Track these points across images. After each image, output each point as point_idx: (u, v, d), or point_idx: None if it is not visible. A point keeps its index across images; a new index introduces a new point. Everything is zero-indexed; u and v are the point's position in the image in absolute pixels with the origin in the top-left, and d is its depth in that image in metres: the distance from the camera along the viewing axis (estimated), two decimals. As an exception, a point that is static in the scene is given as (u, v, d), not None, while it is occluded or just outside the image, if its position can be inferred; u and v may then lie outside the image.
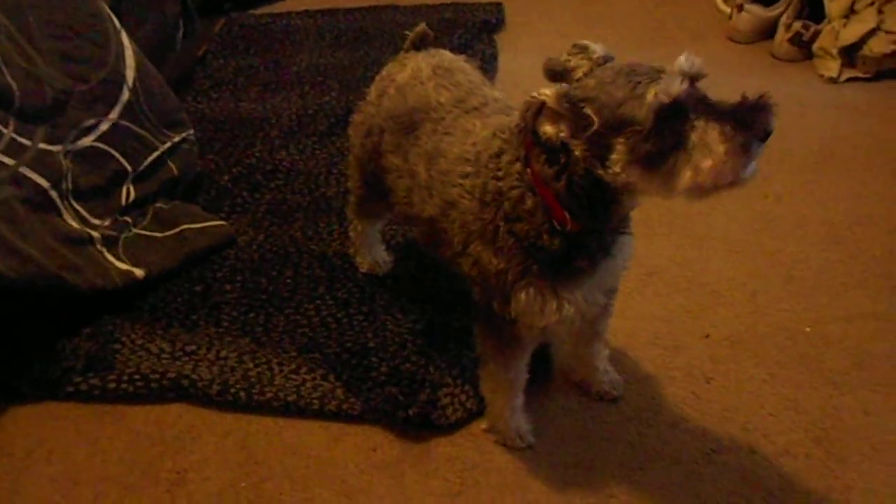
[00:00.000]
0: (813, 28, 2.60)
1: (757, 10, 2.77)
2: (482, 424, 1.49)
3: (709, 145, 0.98)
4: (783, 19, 2.68)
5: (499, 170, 1.17)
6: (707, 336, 1.66)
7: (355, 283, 1.82)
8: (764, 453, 1.42)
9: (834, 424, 1.47)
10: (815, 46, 2.60)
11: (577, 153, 1.05)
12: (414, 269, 1.85)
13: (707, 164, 0.98)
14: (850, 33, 2.50)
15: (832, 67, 2.53)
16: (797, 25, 2.61)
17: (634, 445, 1.45)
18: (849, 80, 2.53)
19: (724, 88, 2.59)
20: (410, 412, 1.47)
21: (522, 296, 1.18)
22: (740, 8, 2.79)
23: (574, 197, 1.10)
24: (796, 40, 2.62)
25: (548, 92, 1.04)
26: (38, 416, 1.57)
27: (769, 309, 1.72)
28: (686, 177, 0.99)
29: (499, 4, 3.10)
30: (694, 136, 0.99)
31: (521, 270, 1.17)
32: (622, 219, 1.17)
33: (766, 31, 2.77)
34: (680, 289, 1.78)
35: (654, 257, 1.88)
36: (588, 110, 1.02)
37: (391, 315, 1.73)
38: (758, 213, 2.00)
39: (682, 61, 1.00)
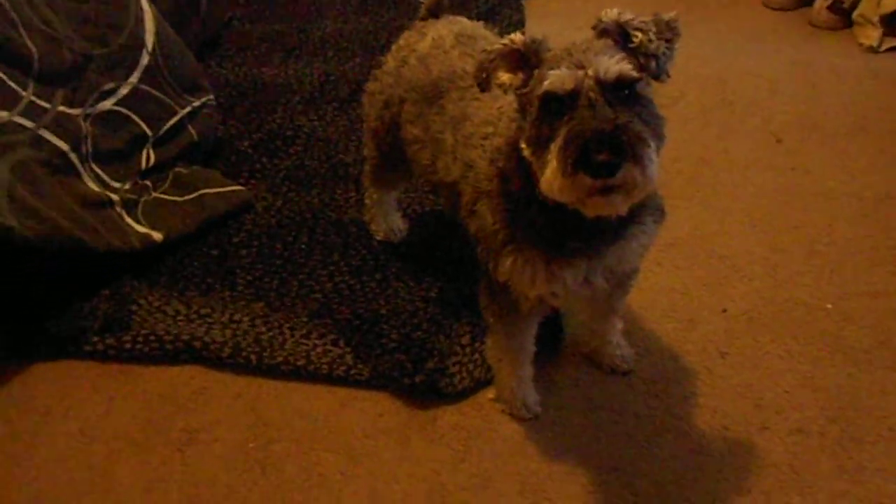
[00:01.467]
0: (854, -6, 2.51)
1: (795, -25, 2.67)
2: (489, 393, 1.48)
3: (550, 159, 0.96)
4: (823, -15, 2.58)
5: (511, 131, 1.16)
6: (724, 310, 1.63)
7: (370, 250, 1.82)
8: (776, 430, 1.39)
9: (850, 403, 1.43)
10: (855, 14, 2.50)
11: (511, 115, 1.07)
12: (429, 238, 1.84)
13: (547, 175, 0.96)
14: (893, 0, 2.40)
15: (872, 36, 2.44)
16: (837, -9, 2.51)
17: (642, 418, 1.43)
18: (890, 49, 2.43)
19: (759, 57, 2.54)
20: (417, 379, 1.47)
21: (508, 262, 1.17)
22: (778, -27, 2.69)
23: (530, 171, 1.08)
24: (836, 7, 2.53)
25: (518, 36, 1.05)
26: (58, 373, 1.61)
27: (789, 284, 1.67)
28: (546, 174, 0.97)
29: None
30: (555, 139, 0.96)
31: (509, 233, 1.16)
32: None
33: (805, -2, 2.67)
34: (699, 262, 1.75)
35: (675, 229, 1.83)
36: (522, 75, 1.04)
37: (404, 282, 1.72)
38: (784, 186, 1.94)
39: (600, 63, 0.95)
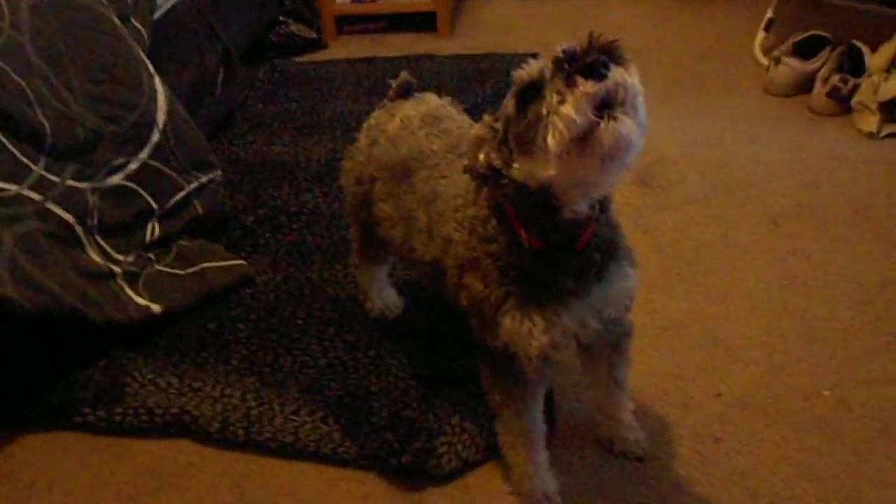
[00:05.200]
0: (852, 82, 2.55)
1: (795, 62, 2.72)
2: (507, 487, 1.44)
3: (550, 105, 0.95)
4: (821, 73, 2.63)
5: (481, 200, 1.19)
6: (719, 394, 1.60)
7: (365, 326, 1.82)
8: (771, 522, 1.35)
9: (850, 495, 1.39)
10: (853, 101, 2.53)
11: (497, 164, 1.08)
12: (425, 314, 1.85)
13: (554, 120, 0.94)
14: (892, 87, 2.43)
15: (871, 122, 2.46)
16: (835, 79, 2.56)
17: (633, 506, 1.40)
18: (889, 135, 2.45)
19: (759, 141, 2.58)
20: (403, 459, 1.45)
21: (507, 319, 1.17)
22: (778, 60, 2.75)
23: (520, 210, 1.11)
24: (834, 94, 2.57)
25: (476, 127, 1.12)
26: (45, 444, 1.61)
27: (787, 369, 1.65)
28: (549, 143, 0.95)
29: (535, 55, 3.12)
30: (543, 107, 0.96)
31: (503, 294, 1.17)
32: (577, 228, 1.12)
33: (804, 85, 2.71)
34: (695, 345, 1.73)
35: (672, 312, 1.83)
36: (497, 124, 1.08)
37: (397, 360, 1.72)
38: (783, 271, 1.94)
39: (557, 47, 0.96)
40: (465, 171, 1.14)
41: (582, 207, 1.09)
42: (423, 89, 1.61)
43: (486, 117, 1.11)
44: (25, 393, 1.67)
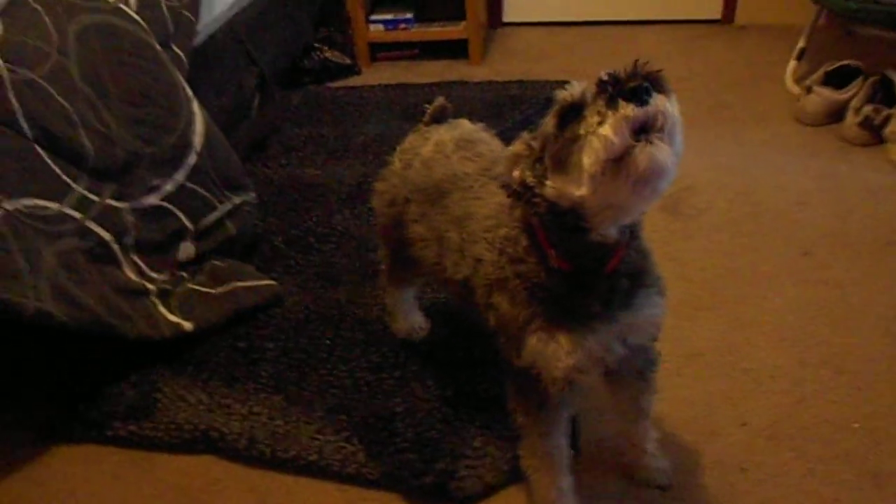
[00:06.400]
0: (885, 112, 2.53)
1: (827, 92, 2.72)
2: None
3: (589, 125, 0.96)
4: (853, 103, 2.62)
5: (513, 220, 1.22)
6: (744, 424, 1.59)
7: (391, 347, 1.84)
8: (797, 555, 1.33)
9: (878, 530, 1.37)
10: (886, 131, 2.52)
11: (530, 182, 1.09)
12: (450, 336, 1.86)
13: (592, 140, 0.96)
14: (925, 119, 2.42)
15: (904, 153, 2.45)
16: (868, 110, 2.54)
17: (656, 535, 1.39)
18: (922, 166, 2.43)
19: (789, 170, 2.57)
20: (426, 480, 1.46)
21: (534, 340, 1.18)
22: (809, 90, 2.74)
23: (550, 231, 1.12)
24: (867, 124, 2.55)
25: (513, 145, 1.13)
26: (78, 456, 1.64)
27: (815, 400, 1.63)
28: (585, 163, 0.97)
29: (566, 82, 3.15)
30: (582, 128, 0.97)
31: (530, 314, 1.18)
32: (605, 252, 1.12)
33: (836, 115, 2.70)
34: (721, 374, 1.72)
35: (698, 340, 1.82)
36: (534, 142, 1.09)
37: (422, 381, 1.74)
38: (813, 300, 1.92)
39: (604, 72, 0.97)
40: (500, 187, 1.16)
41: (611, 231, 1.10)
42: (456, 115, 1.64)
43: (525, 135, 1.13)
44: (61, 406, 1.72)
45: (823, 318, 1.86)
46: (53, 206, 1.69)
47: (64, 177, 1.73)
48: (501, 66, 3.51)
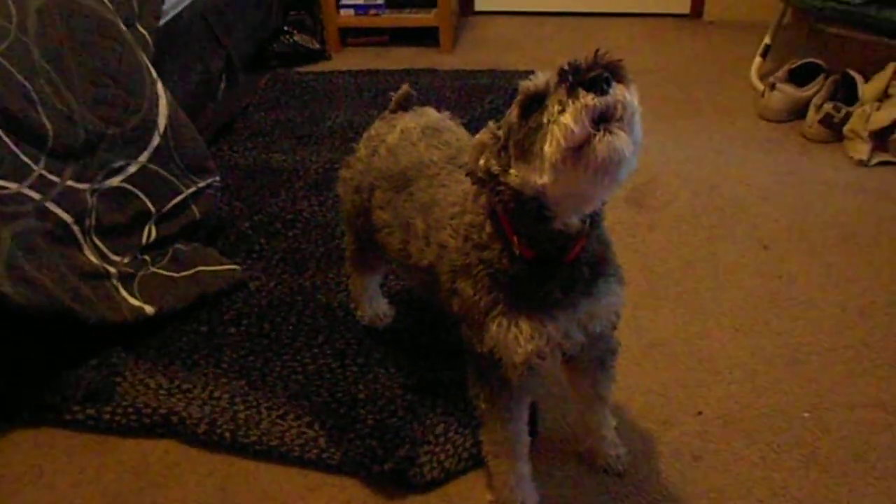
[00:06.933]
0: (844, 110, 2.59)
1: (789, 89, 2.77)
2: (487, 495, 1.47)
3: (551, 113, 0.98)
4: (815, 100, 2.67)
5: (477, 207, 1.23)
6: (700, 413, 1.62)
7: (354, 334, 1.85)
8: (746, 540, 1.37)
9: (825, 516, 1.41)
10: (845, 128, 2.57)
11: (495, 170, 1.10)
12: (414, 324, 1.87)
13: (553, 129, 0.97)
14: (883, 116, 2.48)
15: (862, 150, 2.50)
16: (828, 107, 2.60)
17: (610, 520, 1.42)
18: (879, 163, 2.49)
19: (752, 165, 2.60)
20: (386, 467, 1.47)
21: (494, 326, 1.19)
22: (773, 86, 2.79)
23: (514, 218, 1.13)
24: (827, 122, 2.61)
25: (480, 133, 1.15)
26: (34, 440, 1.62)
27: (768, 390, 1.67)
28: (546, 151, 0.98)
29: (532, 72, 3.17)
30: (545, 116, 0.99)
31: (492, 300, 1.19)
32: (567, 241, 1.14)
33: (798, 111, 2.76)
34: (678, 363, 1.76)
35: (658, 330, 1.85)
36: (499, 131, 1.11)
37: (385, 368, 1.74)
38: (770, 293, 1.96)
39: (565, 62, 0.99)
40: (465, 175, 1.18)
41: (573, 220, 1.12)
42: (424, 103, 1.64)
43: (491, 124, 1.14)
44: (17, 389, 1.69)
45: (779, 310, 1.91)
46: (12, 185, 1.66)
47: (23, 157, 1.70)
48: (472, 54, 3.51)
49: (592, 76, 0.95)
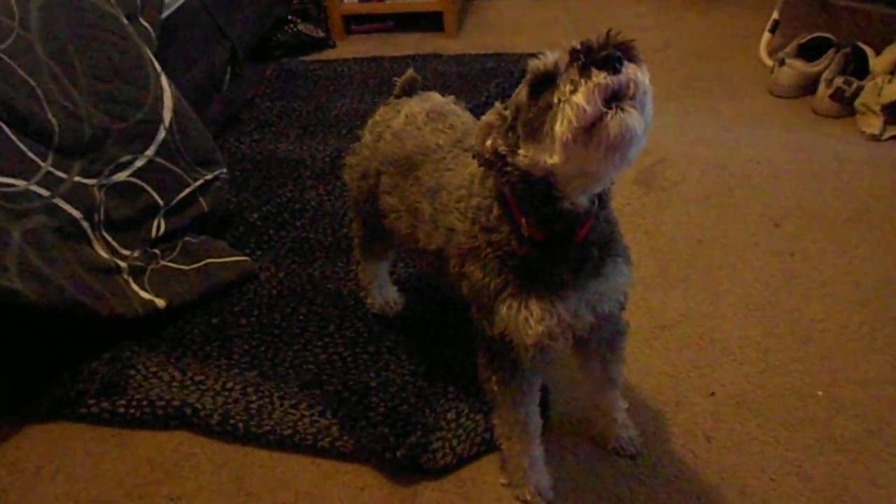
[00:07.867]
0: (855, 84, 2.55)
1: (799, 64, 2.73)
2: (501, 479, 1.47)
3: (562, 93, 0.97)
4: (825, 75, 2.64)
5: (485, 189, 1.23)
6: (712, 394, 1.62)
7: (365, 322, 1.85)
8: (761, 519, 1.37)
9: (839, 494, 1.40)
10: (857, 102, 2.54)
11: (502, 151, 1.10)
12: (424, 311, 1.87)
13: (564, 108, 0.97)
14: (894, 90, 2.44)
15: (874, 124, 2.47)
16: (839, 81, 2.56)
17: (624, 502, 1.41)
18: (892, 137, 2.45)
19: (762, 142, 2.58)
20: (398, 453, 1.47)
21: (504, 308, 1.19)
22: (782, 62, 2.75)
23: (522, 200, 1.13)
24: (838, 96, 2.57)
25: (487, 114, 1.14)
26: (51, 434, 1.64)
27: (781, 369, 1.66)
28: (557, 130, 0.98)
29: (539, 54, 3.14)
30: (555, 96, 0.99)
31: (501, 282, 1.19)
32: (576, 221, 1.14)
33: (808, 87, 2.72)
34: (690, 344, 1.75)
35: (669, 311, 1.85)
36: (507, 112, 1.10)
37: (395, 356, 1.75)
38: (782, 271, 1.95)
39: (575, 42, 0.98)
40: (472, 157, 1.17)
41: (582, 200, 1.12)
42: (429, 88, 1.63)
43: (498, 105, 1.14)
44: (33, 384, 1.71)
45: (791, 288, 1.89)
46: (20, 183, 1.67)
47: (30, 154, 1.71)
48: (477, 38, 3.49)
49: (604, 55, 0.95)
